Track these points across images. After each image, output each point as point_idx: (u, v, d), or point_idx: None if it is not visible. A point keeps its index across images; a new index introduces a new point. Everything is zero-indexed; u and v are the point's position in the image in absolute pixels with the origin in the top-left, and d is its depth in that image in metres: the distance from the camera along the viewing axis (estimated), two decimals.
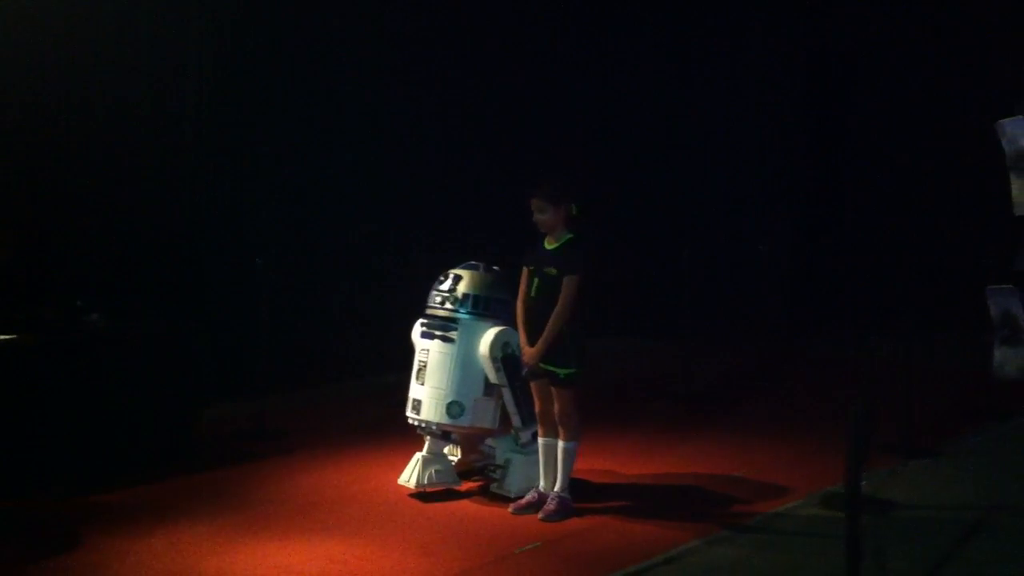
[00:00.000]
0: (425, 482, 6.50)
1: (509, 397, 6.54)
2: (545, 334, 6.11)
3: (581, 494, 6.53)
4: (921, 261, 11.84)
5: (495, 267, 6.74)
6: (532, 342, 6.21)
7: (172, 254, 8.80)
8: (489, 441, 6.76)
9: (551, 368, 6.19)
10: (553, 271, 6.14)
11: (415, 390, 6.56)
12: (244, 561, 5.49)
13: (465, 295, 6.55)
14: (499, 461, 6.63)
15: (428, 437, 6.61)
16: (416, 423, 6.59)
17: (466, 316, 6.54)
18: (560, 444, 6.29)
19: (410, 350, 6.71)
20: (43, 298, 7.29)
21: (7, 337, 6.49)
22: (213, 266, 9.04)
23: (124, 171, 8.53)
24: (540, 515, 6.17)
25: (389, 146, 10.38)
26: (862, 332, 10.43)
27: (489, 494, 6.57)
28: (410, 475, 6.54)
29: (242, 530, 5.92)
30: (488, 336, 6.48)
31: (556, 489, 6.28)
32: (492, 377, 6.48)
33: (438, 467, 6.58)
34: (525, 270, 6.33)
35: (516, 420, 6.61)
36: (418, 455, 6.59)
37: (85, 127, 8.27)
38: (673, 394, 9.45)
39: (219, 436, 7.81)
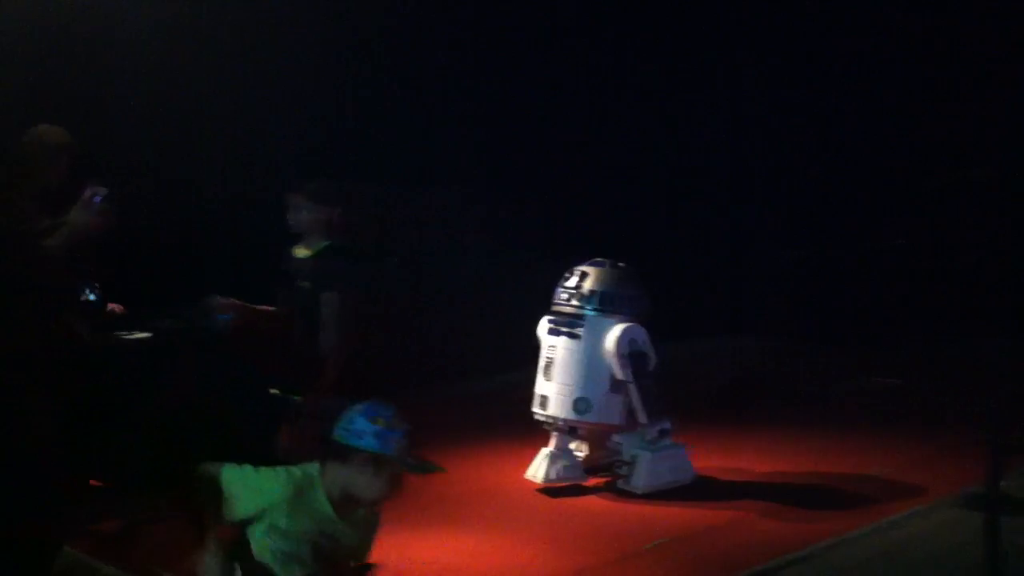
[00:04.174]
0: (552, 477, 6.56)
1: (636, 393, 6.54)
2: (328, 373, 5.01)
3: (708, 492, 6.50)
4: None
5: (621, 264, 6.75)
6: (266, 367, 5.29)
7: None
8: (616, 437, 6.76)
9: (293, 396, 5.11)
10: (307, 284, 5.14)
11: (542, 386, 6.61)
12: (379, 551, 5.59)
13: (591, 291, 6.59)
14: (626, 458, 6.64)
15: (555, 433, 6.66)
16: (543, 419, 6.64)
17: (592, 313, 6.56)
18: None
19: (536, 346, 6.76)
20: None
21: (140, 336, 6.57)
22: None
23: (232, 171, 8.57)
24: None
25: (510, 148, 10.48)
26: (993, 330, 10.14)
27: (616, 490, 6.58)
28: (536, 469, 6.61)
29: None
30: (614, 332, 6.49)
31: None
32: (619, 373, 6.49)
33: (565, 462, 6.63)
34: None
35: (643, 416, 6.59)
36: (545, 450, 6.64)
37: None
38: (801, 393, 9.32)
39: None
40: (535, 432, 6.83)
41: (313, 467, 3.52)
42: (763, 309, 12.42)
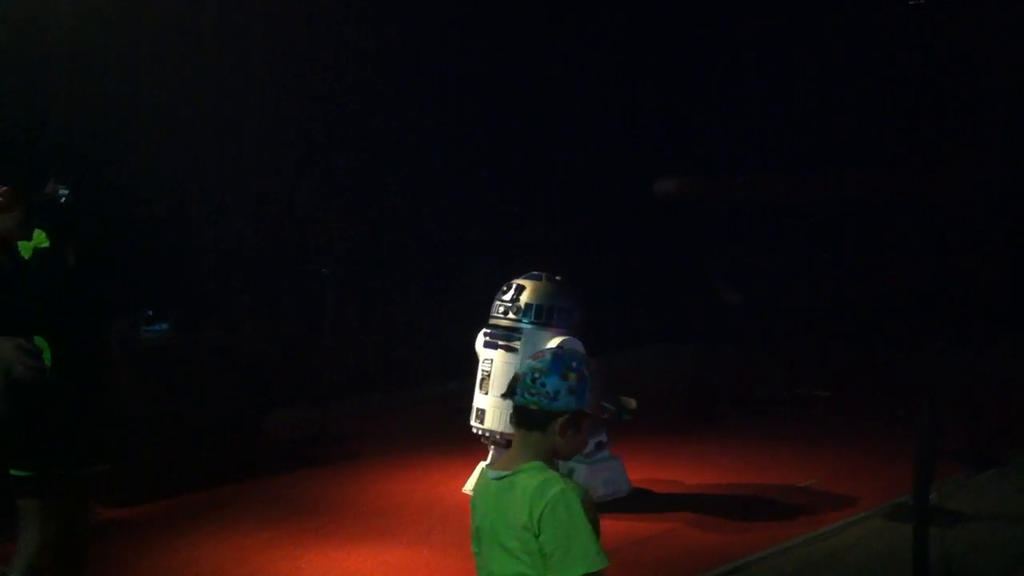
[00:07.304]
0: None
1: None
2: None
3: (645, 503, 6.53)
4: (991, 265, 11.66)
5: (557, 277, 6.77)
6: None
7: (237, 263, 8.91)
8: None
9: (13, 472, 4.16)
10: None
11: (479, 399, 6.60)
12: (312, 567, 5.57)
13: (528, 305, 6.58)
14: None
15: (492, 446, 6.65)
16: (480, 432, 6.63)
17: (529, 326, 6.56)
18: None
19: (473, 359, 6.75)
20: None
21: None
22: (278, 275, 9.15)
23: (189, 181, 8.64)
24: None
25: (450, 161, 10.47)
26: (929, 338, 10.28)
27: None
28: (474, 483, 6.58)
29: (308, 535, 6.01)
30: (551, 345, 6.50)
31: None
32: None
33: None
34: None
35: None
36: (482, 464, 6.62)
37: (152, 142, 8.35)
38: (737, 401, 9.40)
39: (283, 441, 7.93)
40: (472, 444, 6.81)
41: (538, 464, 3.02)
42: (700, 317, 12.48)
